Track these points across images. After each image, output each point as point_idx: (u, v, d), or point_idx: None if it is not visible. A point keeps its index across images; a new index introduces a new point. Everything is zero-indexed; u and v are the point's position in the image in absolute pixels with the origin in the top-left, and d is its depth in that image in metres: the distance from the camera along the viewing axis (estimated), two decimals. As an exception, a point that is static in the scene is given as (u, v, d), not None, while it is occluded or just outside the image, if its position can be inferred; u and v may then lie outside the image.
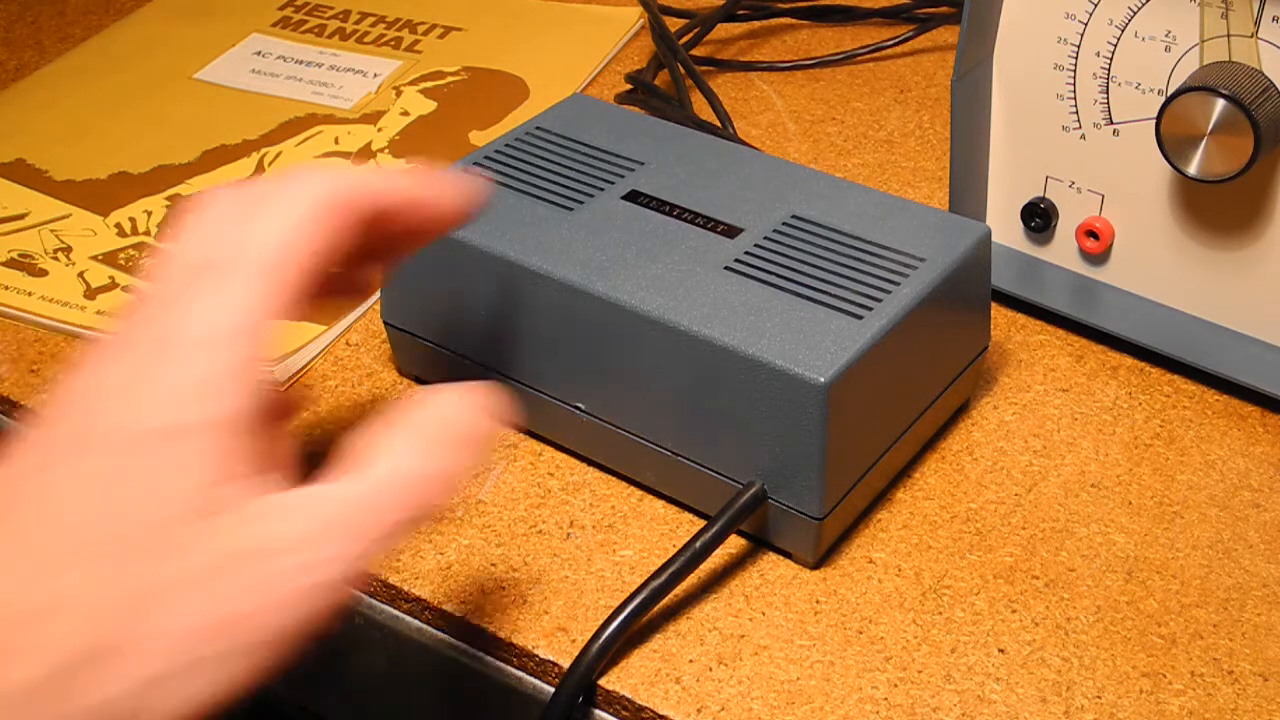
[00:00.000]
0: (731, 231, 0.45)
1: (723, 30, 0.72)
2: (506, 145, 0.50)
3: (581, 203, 0.47)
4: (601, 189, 0.47)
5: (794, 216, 0.45)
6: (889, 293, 0.42)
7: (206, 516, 0.31)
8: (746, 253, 0.44)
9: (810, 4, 0.73)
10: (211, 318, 0.33)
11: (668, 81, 0.66)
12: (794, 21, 0.74)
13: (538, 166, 0.49)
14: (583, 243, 0.45)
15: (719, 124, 0.62)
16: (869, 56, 0.70)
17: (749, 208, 0.46)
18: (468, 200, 0.39)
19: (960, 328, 0.46)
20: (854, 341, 0.40)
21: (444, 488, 0.34)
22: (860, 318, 0.41)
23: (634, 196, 0.47)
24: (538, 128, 0.51)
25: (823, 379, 0.39)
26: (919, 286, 0.42)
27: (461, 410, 0.35)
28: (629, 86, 0.66)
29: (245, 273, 0.33)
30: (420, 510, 0.33)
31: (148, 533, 0.30)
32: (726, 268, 0.43)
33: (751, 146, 0.53)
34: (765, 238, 0.44)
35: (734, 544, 0.43)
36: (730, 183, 0.47)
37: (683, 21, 0.71)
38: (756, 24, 0.73)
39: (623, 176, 0.48)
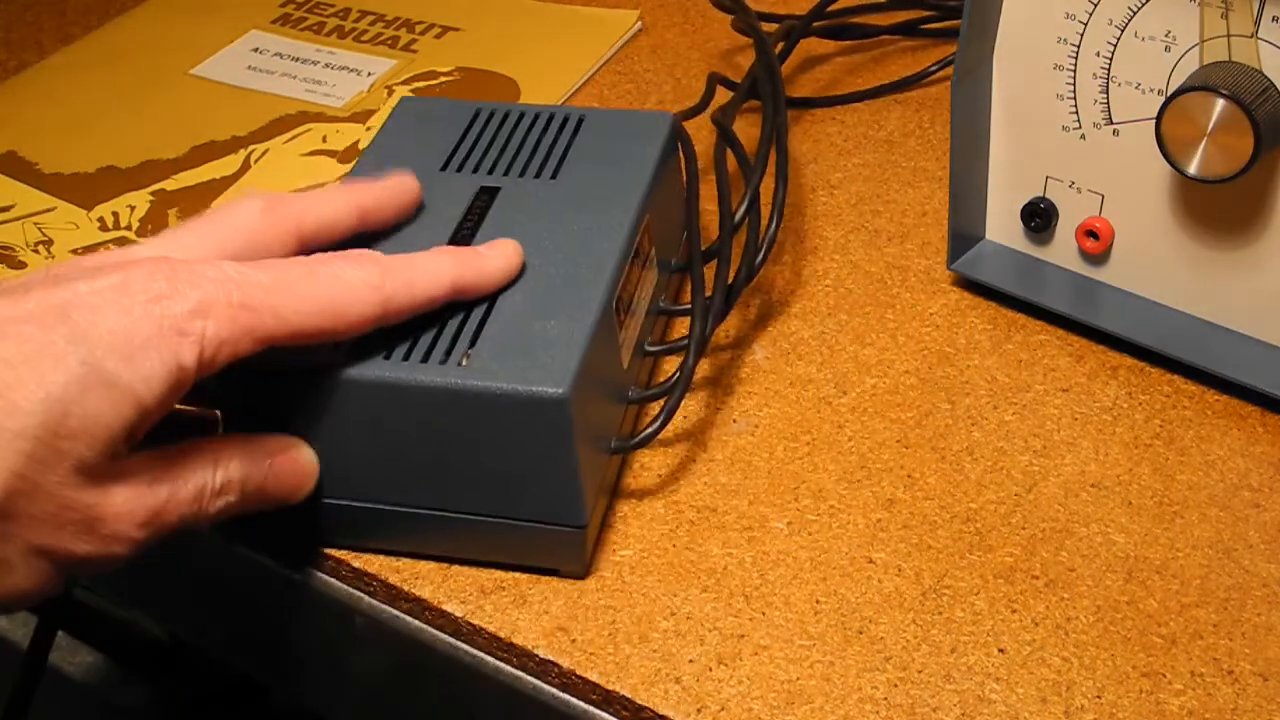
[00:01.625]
0: None
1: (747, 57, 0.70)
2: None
3: None
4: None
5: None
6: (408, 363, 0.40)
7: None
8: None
9: (829, 24, 0.69)
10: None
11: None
12: (819, 41, 0.70)
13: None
14: None
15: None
16: (919, 84, 0.67)
17: None
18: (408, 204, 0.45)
19: (523, 472, 0.41)
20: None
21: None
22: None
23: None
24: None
25: None
26: (425, 376, 0.39)
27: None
28: (628, 88, 0.65)
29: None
30: None
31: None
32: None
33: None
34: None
35: (733, 546, 0.43)
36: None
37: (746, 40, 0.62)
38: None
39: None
